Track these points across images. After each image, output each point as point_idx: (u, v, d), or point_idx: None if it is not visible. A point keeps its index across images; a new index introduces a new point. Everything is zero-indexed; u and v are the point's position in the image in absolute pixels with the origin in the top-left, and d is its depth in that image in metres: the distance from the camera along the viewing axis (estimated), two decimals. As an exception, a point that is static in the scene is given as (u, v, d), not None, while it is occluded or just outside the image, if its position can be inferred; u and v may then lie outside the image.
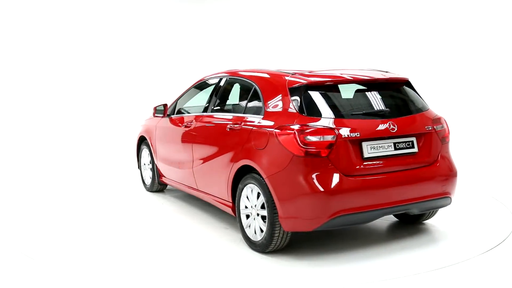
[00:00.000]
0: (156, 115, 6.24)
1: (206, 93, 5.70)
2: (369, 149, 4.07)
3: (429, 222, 5.14)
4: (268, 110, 4.32)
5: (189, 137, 5.52)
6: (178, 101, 6.13)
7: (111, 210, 6.03)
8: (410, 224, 5.07)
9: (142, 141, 6.90)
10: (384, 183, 4.08)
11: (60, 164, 8.97)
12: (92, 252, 4.46)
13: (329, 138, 3.92)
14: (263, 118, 4.33)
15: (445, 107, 10.02)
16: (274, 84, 4.44)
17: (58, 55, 11.02)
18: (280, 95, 4.27)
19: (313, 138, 3.90)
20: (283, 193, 3.99)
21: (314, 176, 3.88)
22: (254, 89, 4.65)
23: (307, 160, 3.89)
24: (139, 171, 7.10)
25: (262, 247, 4.28)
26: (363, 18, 10.97)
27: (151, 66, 12.07)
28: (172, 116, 6.03)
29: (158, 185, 6.62)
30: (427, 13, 10.02)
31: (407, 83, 4.69)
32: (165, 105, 6.16)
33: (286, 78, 4.37)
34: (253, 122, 4.43)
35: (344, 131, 3.98)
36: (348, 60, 11.09)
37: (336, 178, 3.90)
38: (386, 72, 4.90)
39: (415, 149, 4.29)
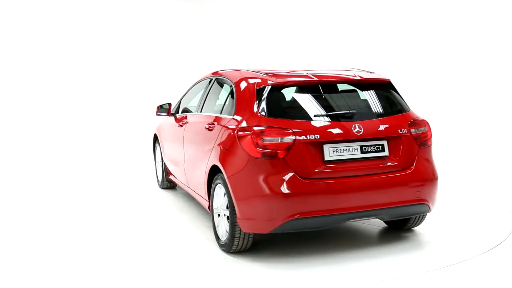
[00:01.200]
0: (158, 113, 6.28)
1: (201, 93, 5.79)
2: (331, 152, 3.96)
3: (429, 222, 5.14)
4: (238, 111, 4.33)
5: (181, 136, 5.64)
6: (182, 100, 6.22)
7: (114, 208, 6.09)
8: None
9: (156, 138, 7.03)
10: (346, 187, 3.94)
11: (77, 163, 9.00)
12: (84, 252, 4.46)
13: (286, 140, 3.88)
14: (232, 119, 4.35)
15: (445, 107, 10.02)
16: (245, 85, 4.44)
17: (64, 57, 11.06)
18: (249, 96, 4.27)
19: (270, 140, 3.88)
20: (241, 194, 3.99)
21: (270, 178, 3.85)
22: (231, 89, 4.68)
23: (264, 162, 3.87)
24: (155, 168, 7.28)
25: (226, 247, 4.29)
26: (363, 18, 10.97)
27: (158, 64, 12.12)
28: (176, 115, 6.10)
29: (167, 182, 6.73)
30: (426, 14, 10.02)
31: (388, 84, 4.54)
32: (169, 104, 6.22)
33: (255, 79, 4.37)
34: (224, 122, 4.47)
35: (303, 133, 3.91)
36: (347, 60, 11.09)
37: (292, 180, 3.84)
38: (371, 72, 4.80)
39: (386, 153, 4.12)
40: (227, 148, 4.19)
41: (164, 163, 6.57)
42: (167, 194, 6.65)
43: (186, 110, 5.99)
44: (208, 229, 5.00)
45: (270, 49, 12.01)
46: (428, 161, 4.33)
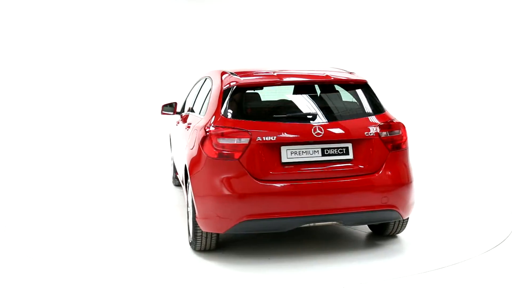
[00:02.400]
0: (163, 112, 6.30)
1: (196, 92, 5.84)
2: (288, 154, 3.91)
3: (429, 222, 5.14)
4: (207, 111, 4.36)
5: (177, 135, 5.75)
6: (186, 99, 6.29)
7: (119, 205, 6.21)
8: (407, 224, 5.08)
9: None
10: (302, 190, 3.86)
11: (94, 162, 9.04)
12: (83, 250, 4.47)
13: (242, 141, 3.87)
14: (201, 119, 4.41)
15: (445, 107, 10.02)
16: (216, 85, 4.48)
17: (64, 57, 11.06)
18: (216, 96, 4.29)
19: (226, 141, 3.90)
20: (199, 194, 4.02)
21: (225, 178, 3.87)
22: (210, 89, 4.72)
23: (221, 162, 3.89)
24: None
25: (193, 246, 4.33)
26: (362, 18, 10.97)
27: (162, 64, 12.15)
28: (182, 113, 6.15)
29: (177, 180, 6.84)
30: (426, 14, 10.03)
31: (364, 85, 4.40)
32: (175, 103, 6.25)
33: (226, 79, 4.38)
34: (195, 122, 4.56)
35: (260, 134, 3.88)
36: (346, 59, 11.09)
37: (246, 182, 3.84)
38: (351, 73, 4.71)
39: (350, 156, 3.99)
40: (192, 148, 4.26)
41: (173, 161, 6.74)
42: (177, 191, 6.80)
43: (190, 109, 6.04)
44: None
45: (273, 48, 12.01)
46: (401, 166, 4.13)
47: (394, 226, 4.49)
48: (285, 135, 3.91)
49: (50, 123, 10.88)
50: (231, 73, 4.49)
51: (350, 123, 4.08)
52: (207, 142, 3.97)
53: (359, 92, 4.38)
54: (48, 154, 9.77)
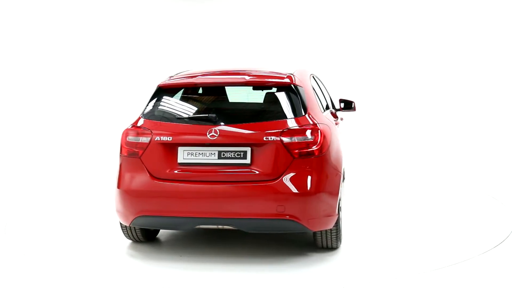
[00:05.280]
0: None
1: None
2: (185, 155, 3.96)
3: (429, 222, 5.14)
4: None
5: None
6: None
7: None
8: (407, 223, 5.08)
9: None
10: (194, 192, 3.89)
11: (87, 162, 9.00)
12: (84, 248, 4.47)
13: (143, 140, 4.06)
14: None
15: (444, 107, 10.02)
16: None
17: (64, 57, 11.04)
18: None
19: (132, 139, 4.12)
20: (114, 188, 4.21)
21: (128, 175, 4.10)
22: None
23: (128, 160, 4.12)
24: None
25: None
26: (362, 18, 10.97)
27: (162, 64, 12.13)
28: None
29: None
30: (427, 14, 10.03)
31: (287, 87, 4.16)
32: None
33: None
34: None
35: (160, 134, 4.02)
36: (346, 59, 11.09)
37: (143, 179, 4.01)
38: (289, 75, 4.32)
39: (247, 161, 3.87)
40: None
41: None
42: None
43: None
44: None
45: (273, 48, 12.01)
46: (307, 174, 3.84)
47: (321, 238, 4.19)
48: (181, 136, 4.02)
49: (50, 123, 10.86)
50: (174, 75, 4.63)
51: (252, 126, 3.94)
52: (121, 141, 4.21)
53: (281, 94, 4.16)
54: (48, 154, 9.76)
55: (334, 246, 4.26)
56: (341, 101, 6.22)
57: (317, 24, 11.54)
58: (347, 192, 6.56)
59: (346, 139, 6.47)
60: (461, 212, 5.54)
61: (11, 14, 10.45)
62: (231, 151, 3.92)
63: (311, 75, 5.06)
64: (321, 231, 4.10)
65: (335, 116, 5.52)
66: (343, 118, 6.59)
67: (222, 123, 3.98)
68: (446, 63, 10.26)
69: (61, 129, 10.83)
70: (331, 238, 4.18)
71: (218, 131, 3.92)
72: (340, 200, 4.15)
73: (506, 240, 4.53)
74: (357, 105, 6.33)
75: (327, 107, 5.60)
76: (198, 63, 12.14)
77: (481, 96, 9.69)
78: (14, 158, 9.42)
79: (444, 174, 7.78)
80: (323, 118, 4.26)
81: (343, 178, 7.04)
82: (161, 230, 4.87)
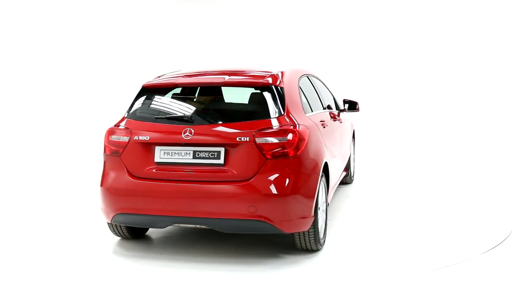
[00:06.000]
0: None
1: None
2: (162, 154, 4.03)
3: (429, 222, 5.14)
4: None
5: None
6: None
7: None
8: (408, 223, 5.08)
9: None
10: (169, 191, 3.93)
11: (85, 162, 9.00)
12: (84, 248, 4.47)
13: (123, 139, 4.15)
14: None
15: (444, 106, 10.02)
16: None
17: (64, 58, 11.05)
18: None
19: (114, 138, 4.21)
20: (99, 186, 4.29)
21: (109, 173, 4.20)
22: None
23: (110, 158, 4.22)
24: None
25: None
26: (362, 19, 10.97)
27: (162, 64, 12.12)
28: None
29: None
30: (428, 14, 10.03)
31: (266, 87, 4.12)
32: None
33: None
34: None
35: (138, 134, 4.10)
36: (346, 59, 11.09)
37: (121, 177, 4.10)
38: (274, 75, 4.27)
39: (221, 161, 3.89)
40: None
41: None
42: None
43: None
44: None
45: (273, 48, 12.02)
46: (280, 175, 3.81)
47: (299, 240, 4.14)
48: (158, 135, 4.06)
49: (50, 123, 10.87)
50: (162, 75, 4.68)
51: (227, 127, 3.96)
52: (105, 140, 4.29)
53: (261, 95, 4.15)
54: (48, 154, 9.77)
55: (313, 248, 4.19)
56: (345, 102, 6.23)
57: (321, 25, 11.54)
58: (351, 193, 6.55)
59: (349, 139, 6.48)
60: (461, 212, 5.54)
61: (13, 14, 10.45)
62: (206, 151, 3.94)
63: (305, 75, 5.04)
64: (298, 233, 4.05)
65: (334, 116, 5.51)
66: (349, 119, 6.60)
67: (197, 123, 4.03)
68: (447, 64, 10.26)
69: (61, 129, 10.83)
70: (309, 240, 4.11)
71: (192, 131, 3.96)
72: (317, 201, 4.07)
73: (506, 240, 4.53)
74: (360, 106, 6.35)
75: (329, 107, 5.60)
76: (198, 63, 12.15)
77: (481, 97, 9.69)
78: (14, 158, 9.42)
79: (444, 174, 7.78)
80: (305, 119, 4.19)
81: (352, 179, 7.04)
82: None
